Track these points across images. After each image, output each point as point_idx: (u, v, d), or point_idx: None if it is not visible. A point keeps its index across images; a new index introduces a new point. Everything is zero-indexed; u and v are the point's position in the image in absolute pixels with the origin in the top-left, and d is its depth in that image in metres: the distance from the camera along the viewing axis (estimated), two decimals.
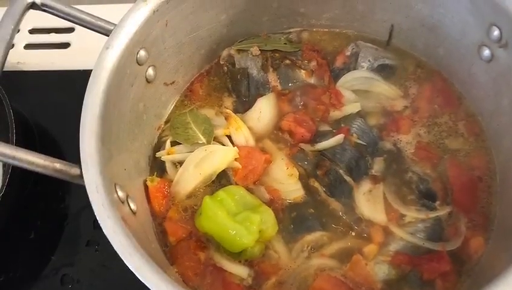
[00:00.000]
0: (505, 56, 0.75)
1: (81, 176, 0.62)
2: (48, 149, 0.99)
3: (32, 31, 1.14)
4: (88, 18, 0.72)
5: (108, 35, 0.72)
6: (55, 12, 0.71)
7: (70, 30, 1.12)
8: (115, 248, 0.58)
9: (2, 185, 0.84)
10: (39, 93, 1.06)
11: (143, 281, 0.55)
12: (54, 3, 0.70)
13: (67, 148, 1.00)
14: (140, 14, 0.74)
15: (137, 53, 0.75)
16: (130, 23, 0.73)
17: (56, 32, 1.13)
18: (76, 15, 0.72)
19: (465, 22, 0.79)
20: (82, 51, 1.09)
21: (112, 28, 0.72)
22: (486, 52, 0.78)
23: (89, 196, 0.61)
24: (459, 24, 0.80)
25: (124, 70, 0.72)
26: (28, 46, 1.13)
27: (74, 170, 0.63)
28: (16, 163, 0.60)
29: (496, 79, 0.78)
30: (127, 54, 0.72)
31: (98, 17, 0.73)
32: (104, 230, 0.59)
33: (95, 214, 0.60)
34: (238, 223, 0.74)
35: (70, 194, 0.95)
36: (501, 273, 0.58)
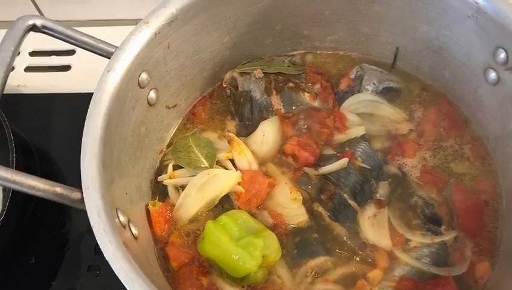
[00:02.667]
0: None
1: (82, 200, 0.64)
2: (48, 173, 1.01)
3: (33, 54, 1.17)
4: (89, 40, 0.74)
5: (109, 58, 0.74)
6: (55, 34, 0.73)
7: (71, 52, 1.15)
8: (116, 273, 0.59)
9: (2, 210, 0.85)
10: (39, 116, 1.08)
11: None
12: (55, 25, 0.72)
13: (68, 172, 1.02)
14: (142, 37, 0.76)
15: (139, 76, 0.77)
16: (132, 45, 0.75)
17: (57, 55, 1.16)
18: (77, 37, 0.74)
19: (471, 45, 0.81)
20: (83, 74, 1.12)
21: (113, 50, 0.75)
22: (493, 74, 0.80)
23: (90, 220, 0.62)
24: (465, 47, 0.82)
25: (125, 94, 0.74)
26: (29, 69, 1.15)
27: (75, 194, 0.64)
28: (16, 187, 0.62)
29: (502, 102, 0.80)
30: (129, 77, 0.74)
31: (99, 40, 0.75)
32: (105, 255, 0.60)
33: (96, 238, 0.61)
34: (241, 248, 0.75)
35: (71, 219, 0.97)
36: None
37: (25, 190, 0.62)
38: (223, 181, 0.83)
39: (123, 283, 0.59)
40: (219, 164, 0.86)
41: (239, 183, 0.84)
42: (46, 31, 0.72)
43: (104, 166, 0.68)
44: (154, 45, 0.78)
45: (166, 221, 0.83)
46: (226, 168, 0.86)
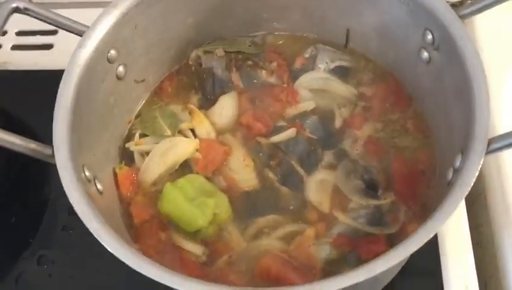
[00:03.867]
0: (439, 58, 0.92)
1: (53, 155, 0.80)
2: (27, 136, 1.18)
3: (19, 33, 1.34)
4: (65, 21, 0.90)
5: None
6: (36, 16, 0.89)
7: (54, 32, 1.32)
8: (78, 214, 0.75)
9: None
10: (23, 91, 1.25)
11: (100, 241, 0.72)
12: (36, 8, 0.88)
13: (44, 135, 1.18)
14: (110, 18, 0.91)
15: (108, 52, 0.93)
16: (101, 25, 0.90)
17: (41, 35, 1.33)
18: (55, 18, 0.90)
19: (407, 27, 0.96)
20: (64, 52, 1.27)
21: (85, 29, 0.91)
22: (425, 54, 0.95)
23: (59, 172, 0.78)
24: (403, 29, 0.98)
25: (95, 67, 0.90)
26: (15, 48, 1.32)
27: (47, 150, 0.80)
28: None
29: (434, 79, 0.95)
30: (98, 53, 0.90)
31: (74, 21, 0.91)
32: (70, 200, 0.76)
33: (63, 187, 0.77)
34: (195, 206, 0.91)
35: (49, 183, 1.14)
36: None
37: (6, 145, 0.79)
38: (183, 148, 0.98)
39: (83, 221, 0.75)
40: (181, 132, 1.02)
41: (197, 150, 0.99)
42: (28, 12, 0.88)
43: (73, 129, 0.83)
44: (122, 25, 0.93)
45: (131, 183, 0.98)
46: (187, 137, 1.01)
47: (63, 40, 1.30)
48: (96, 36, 0.90)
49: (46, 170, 1.16)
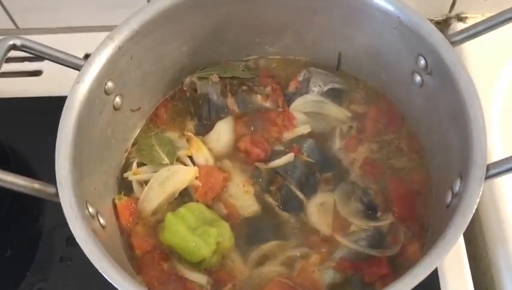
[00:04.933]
0: (432, 82, 0.95)
1: (56, 194, 0.80)
2: (21, 168, 1.16)
3: (7, 60, 1.33)
4: (62, 56, 0.91)
5: (79, 70, 0.91)
6: (33, 52, 0.90)
7: (42, 59, 1.31)
8: (86, 254, 0.76)
9: None
10: (12, 118, 1.25)
11: (110, 281, 0.74)
12: (33, 44, 0.89)
13: (38, 167, 1.19)
14: (107, 51, 0.92)
15: (105, 84, 0.94)
16: (98, 59, 0.91)
17: (29, 61, 1.33)
18: (52, 54, 0.91)
19: (399, 52, 0.99)
20: (53, 79, 1.29)
21: (82, 63, 0.91)
22: (418, 78, 0.98)
23: (64, 211, 0.79)
24: (395, 53, 1.00)
25: (93, 101, 0.91)
26: (2, 75, 1.31)
27: (50, 189, 0.81)
28: None
29: (427, 101, 0.98)
30: (96, 86, 0.91)
31: (70, 55, 0.92)
32: (76, 239, 0.77)
33: (69, 226, 0.78)
34: (197, 236, 0.92)
35: (44, 215, 1.14)
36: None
37: (6, 185, 0.79)
38: (182, 176, 1.00)
39: (92, 262, 0.75)
40: (179, 160, 1.04)
41: (196, 178, 1.01)
42: (24, 49, 0.89)
43: (75, 165, 0.84)
44: (118, 57, 0.94)
45: (131, 213, 1.00)
46: (185, 164, 1.03)
47: (51, 66, 1.29)
48: (93, 70, 0.91)
49: (40, 201, 1.16)
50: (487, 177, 0.79)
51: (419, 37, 0.92)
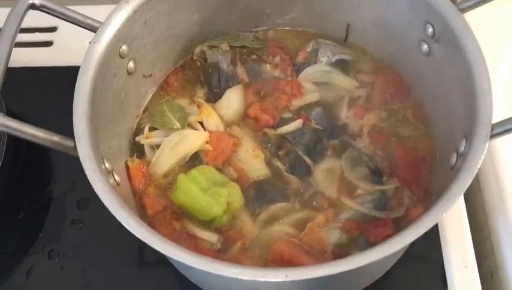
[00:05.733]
0: (439, 50, 0.98)
1: (75, 148, 0.83)
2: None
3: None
4: (79, 17, 0.93)
5: (95, 32, 0.94)
6: (51, 12, 0.92)
7: (52, 30, 1.35)
8: (105, 204, 0.78)
9: None
10: (23, 88, 1.27)
11: (129, 230, 0.76)
12: (51, 4, 0.91)
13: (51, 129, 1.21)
14: (122, 14, 0.95)
15: (120, 47, 0.97)
16: (114, 21, 0.94)
17: (40, 32, 1.35)
18: (70, 15, 0.93)
19: (407, 21, 1.02)
20: (63, 49, 1.31)
21: (98, 25, 0.94)
22: (425, 46, 1.01)
23: (82, 164, 0.81)
24: (403, 23, 1.03)
25: (108, 62, 0.94)
26: (14, 45, 1.33)
27: (69, 143, 0.83)
28: (20, 135, 0.81)
29: (433, 70, 1.01)
30: (111, 48, 0.94)
31: (87, 16, 0.94)
32: (95, 191, 0.79)
33: (88, 178, 0.80)
34: (209, 195, 0.95)
35: (54, 179, 1.17)
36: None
37: (28, 137, 0.81)
38: (193, 140, 1.03)
39: (111, 211, 0.78)
40: (190, 126, 1.06)
41: (207, 143, 1.03)
42: (43, 9, 0.91)
43: (92, 122, 0.87)
44: (133, 21, 0.97)
45: (143, 175, 1.02)
46: (196, 129, 1.06)
47: (62, 37, 1.33)
48: (109, 31, 0.94)
49: (50, 165, 1.20)
50: (492, 136, 0.82)
51: (428, 4, 0.95)
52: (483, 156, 0.80)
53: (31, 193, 1.16)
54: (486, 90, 0.85)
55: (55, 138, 0.83)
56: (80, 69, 0.90)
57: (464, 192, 0.78)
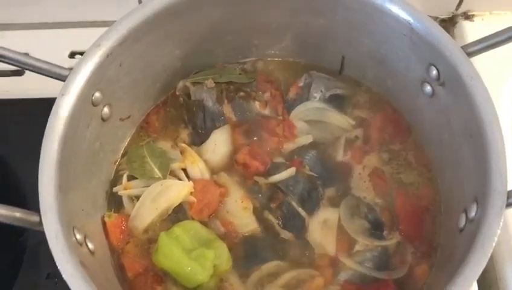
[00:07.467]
0: (444, 94, 0.88)
1: (40, 223, 0.73)
2: (4, 176, 1.10)
3: None
4: (44, 66, 0.82)
5: (63, 80, 0.83)
6: (9, 62, 0.82)
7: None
8: None
9: None
10: None
11: None
12: (9, 53, 0.81)
13: (21, 173, 1.10)
14: (94, 59, 0.84)
15: (93, 95, 0.86)
16: (85, 68, 0.83)
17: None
18: (31, 62, 0.82)
19: (408, 59, 0.92)
20: (36, 79, 1.20)
21: (67, 73, 0.83)
22: (428, 88, 0.91)
23: (49, 242, 0.72)
24: (404, 61, 0.93)
25: (79, 115, 0.83)
26: None
27: (34, 218, 0.74)
28: None
29: (437, 114, 0.92)
30: (83, 98, 0.83)
31: (53, 64, 0.83)
32: (63, 275, 0.70)
33: (55, 260, 0.71)
34: (193, 260, 0.86)
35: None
36: None
37: None
38: (176, 192, 0.93)
39: None
40: (172, 173, 0.96)
41: (191, 193, 0.94)
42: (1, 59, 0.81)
43: (61, 189, 0.77)
44: (107, 64, 0.86)
45: (121, 231, 0.93)
46: (179, 178, 0.96)
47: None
48: (80, 80, 0.83)
49: None
50: (508, 205, 0.73)
51: (432, 46, 0.86)
52: (498, 230, 0.71)
53: (3, 245, 1.05)
54: (500, 151, 0.76)
55: (17, 214, 0.73)
56: (46, 129, 0.79)
57: (480, 272, 0.70)
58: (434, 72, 0.88)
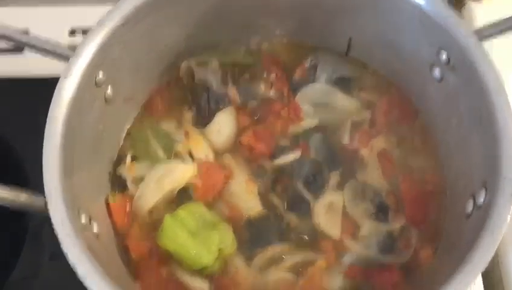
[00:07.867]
0: (453, 78, 0.87)
1: (46, 207, 0.72)
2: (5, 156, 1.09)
3: None
4: (48, 47, 0.81)
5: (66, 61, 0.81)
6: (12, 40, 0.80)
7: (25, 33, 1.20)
8: (80, 276, 0.69)
9: None
10: None
11: None
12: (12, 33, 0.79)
13: (23, 153, 1.09)
14: (97, 39, 0.82)
15: (96, 76, 0.84)
16: (88, 49, 0.81)
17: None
18: (35, 44, 0.81)
19: (418, 42, 0.90)
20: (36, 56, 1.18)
21: (70, 54, 0.81)
22: (437, 72, 0.90)
23: (54, 227, 0.71)
24: (413, 43, 0.92)
25: (83, 96, 0.81)
26: None
27: (39, 202, 0.73)
28: None
29: (446, 98, 0.90)
30: (86, 79, 0.81)
31: (56, 45, 0.82)
32: (70, 260, 0.69)
33: (61, 244, 0.70)
34: (198, 243, 0.85)
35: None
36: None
37: None
38: (180, 174, 0.92)
39: (85, 284, 0.69)
40: (176, 155, 0.95)
41: (196, 175, 0.93)
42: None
43: (66, 172, 0.76)
44: (110, 45, 0.84)
45: (125, 213, 0.92)
46: (183, 160, 0.95)
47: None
48: (83, 61, 0.81)
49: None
50: None
51: (443, 30, 0.84)
52: (508, 217, 0.71)
53: (5, 225, 1.04)
54: (511, 137, 0.75)
55: (23, 198, 0.72)
56: (49, 111, 0.77)
57: (489, 259, 0.69)
58: (444, 56, 0.86)
